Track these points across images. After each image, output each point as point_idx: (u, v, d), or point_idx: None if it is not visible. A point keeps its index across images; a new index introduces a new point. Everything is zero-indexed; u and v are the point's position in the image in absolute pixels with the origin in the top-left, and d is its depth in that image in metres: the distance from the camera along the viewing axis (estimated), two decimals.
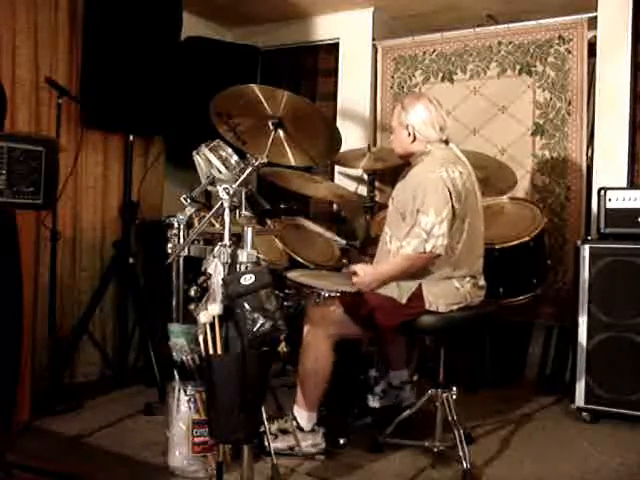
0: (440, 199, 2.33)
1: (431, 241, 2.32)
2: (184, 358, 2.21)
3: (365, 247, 3.47)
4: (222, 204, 2.09)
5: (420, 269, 2.39)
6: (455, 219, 2.37)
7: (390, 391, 2.85)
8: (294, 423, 2.49)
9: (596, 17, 3.54)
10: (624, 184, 3.44)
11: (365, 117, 4.26)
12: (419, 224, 2.34)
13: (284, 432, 2.50)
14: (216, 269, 2.06)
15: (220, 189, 2.09)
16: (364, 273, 2.44)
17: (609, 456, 2.58)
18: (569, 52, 3.69)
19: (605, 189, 3.06)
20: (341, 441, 2.60)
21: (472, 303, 2.48)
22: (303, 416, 2.50)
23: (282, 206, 3.69)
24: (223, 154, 2.24)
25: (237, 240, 2.13)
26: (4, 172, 2.03)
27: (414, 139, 2.50)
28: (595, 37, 3.59)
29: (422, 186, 2.37)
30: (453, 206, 2.34)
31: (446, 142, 2.54)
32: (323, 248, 3.47)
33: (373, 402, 2.82)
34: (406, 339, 2.92)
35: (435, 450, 2.48)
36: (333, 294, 2.69)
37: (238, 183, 2.14)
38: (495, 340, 3.58)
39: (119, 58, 3.27)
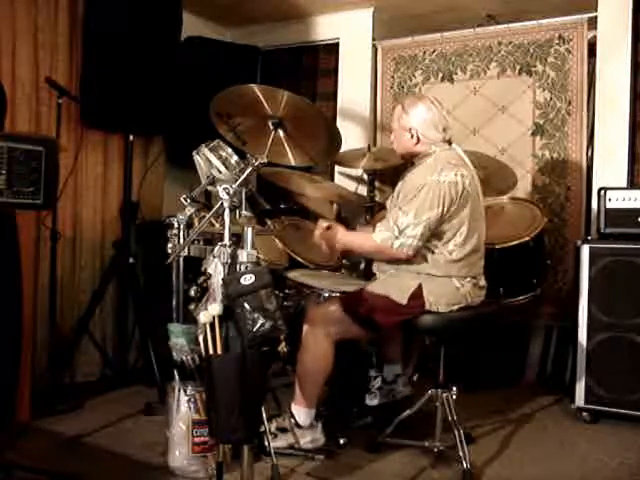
0: (426, 203, 2.33)
1: (401, 239, 2.33)
2: (184, 358, 2.21)
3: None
4: (222, 204, 2.09)
5: (385, 260, 2.49)
6: (446, 223, 2.37)
7: (385, 387, 2.86)
8: (292, 421, 2.49)
9: (596, 17, 3.54)
10: (624, 184, 3.44)
11: (365, 117, 4.26)
12: (396, 219, 2.35)
13: (283, 431, 2.50)
14: (216, 269, 2.06)
15: (220, 189, 2.09)
16: (337, 233, 2.53)
17: (609, 456, 2.58)
18: (569, 52, 3.69)
19: (605, 189, 3.06)
20: (341, 441, 2.60)
21: (472, 303, 2.48)
22: (301, 413, 2.49)
23: (282, 206, 3.69)
24: (223, 154, 2.24)
25: (237, 240, 2.13)
26: (4, 172, 2.03)
27: (418, 141, 2.49)
28: (595, 37, 3.58)
29: (416, 188, 2.37)
30: (443, 212, 2.34)
31: (449, 142, 2.53)
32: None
33: (370, 400, 2.83)
34: (401, 334, 2.91)
35: (435, 450, 2.48)
36: (333, 294, 2.69)
37: (238, 183, 2.13)
38: (495, 340, 3.57)
39: (119, 58, 3.27)
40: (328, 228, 2.58)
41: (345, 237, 2.55)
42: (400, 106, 2.56)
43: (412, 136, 2.49)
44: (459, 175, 2.38)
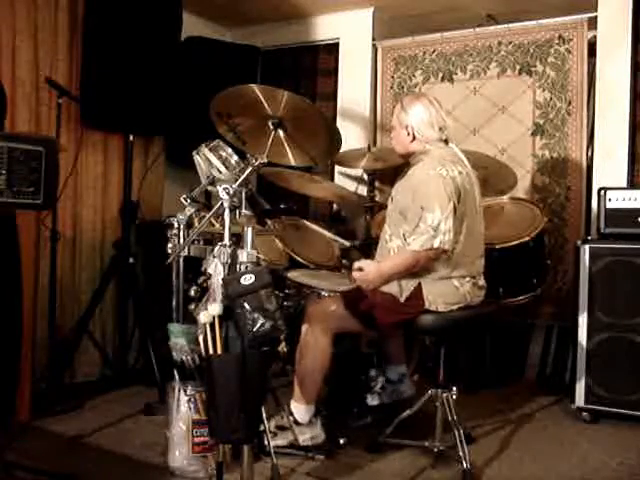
0: (443, 195, 2.32)
1: (439, 237, 2.31)
2: (184, 358, 2.21)
3: (365, 247, 3.48)
4: (222, 204, 2.09)
5: (424, 266, 2.38)
6: (455, 217, 2.37)
7: (388, 386, 2.86)
8: (291, 418, 2.49)
9: (596, 17, 3.54)
10: (624, 184, 3.44)
11: (365, 117, 4.26)
12: (425, 221, 2.32)
13: (282, 429, 2.50)
14: (216, 269, 2.06)
15: (220, 189, 2.09)
16: (368, 270, 2.40)
17: (609, 456, 2.58)
18: (569, 52, 3.69)
19: (605, 189, 3.06)
20: (341, 441, 2.60)
21: (472, 303, 2.48)
22: (300, 410, 2.50)
23: (282, 206, 3.69)
24: (223, 154, 2.24)
25: (237, 240, 2.13)
26: (4, 172, 2.03)
27: (413, 139, 2.50)
28: (595, 37, 3.58)
29: (423, 184, 2.37)
30: (454, 204, 2.34)
31: (446, 142, 2.54)
32: (323, 248, 3.47)
33: (372, 400, 2.82)
34: (404, 334, 2.91)
35: (435, 450, 2.48)
36: (333, 294, 2.69)
37: (238, 183, 2.14)
38: (495, 340, 3.58)
39: (119, 58, 3.27)
40: (360, 269, 2.41)
41: (382, 268, 2.40)
42: (399, 104, 2.58)
43: (408, 134, 2.50)
44: (456, 171, 2.40)
